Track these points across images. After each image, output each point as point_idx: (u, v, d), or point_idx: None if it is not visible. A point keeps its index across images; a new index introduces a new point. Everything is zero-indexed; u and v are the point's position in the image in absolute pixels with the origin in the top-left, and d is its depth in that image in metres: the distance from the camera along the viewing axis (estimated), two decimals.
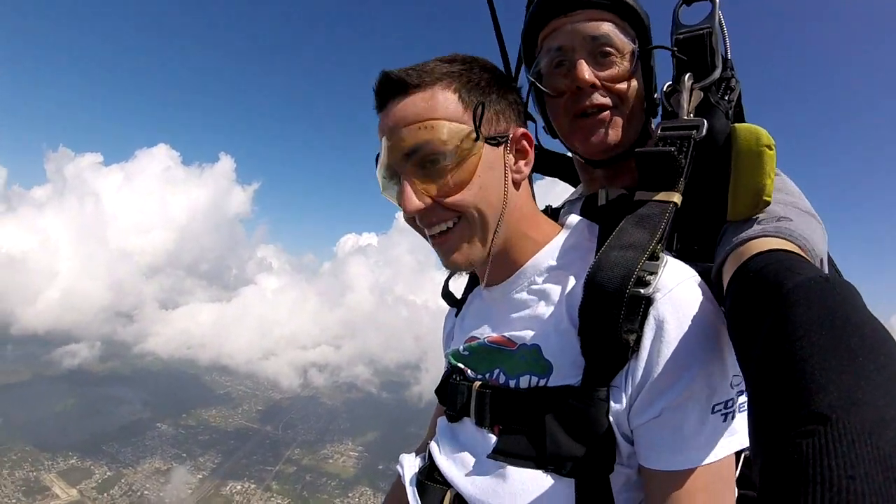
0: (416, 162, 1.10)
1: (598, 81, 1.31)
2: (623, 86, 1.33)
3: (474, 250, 1.16)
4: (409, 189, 1.11)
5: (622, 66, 1.33)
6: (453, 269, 1.22)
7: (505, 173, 1.18)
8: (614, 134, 1.35)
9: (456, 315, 1.57)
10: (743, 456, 1.19)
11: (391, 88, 1.13)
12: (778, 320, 0.70)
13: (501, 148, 1.17)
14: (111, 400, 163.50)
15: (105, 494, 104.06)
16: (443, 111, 1.10)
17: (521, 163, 1.22)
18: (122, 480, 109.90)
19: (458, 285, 1.63)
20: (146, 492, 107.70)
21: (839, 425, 0.50)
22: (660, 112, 1.43)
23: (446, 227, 1.14)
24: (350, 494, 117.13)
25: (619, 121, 1.35)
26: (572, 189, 1.87)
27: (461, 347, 1.37)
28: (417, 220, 1.17)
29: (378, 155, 1.20)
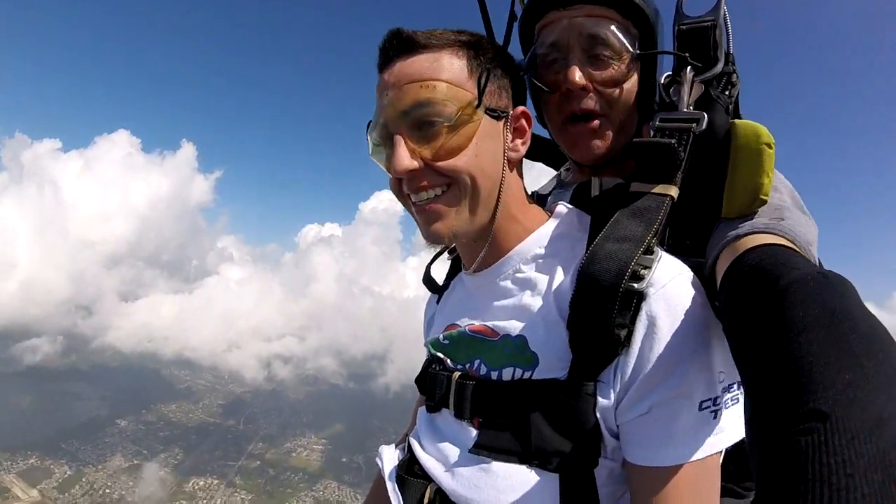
0: (412, 121, 1.07)
1: (590, 85, 1.27)
2: (616, 91, 1.29)
3: (460, 220, 1.12)
4: (401, 147, 1.07)
5: (618, 68, 1.28)
6: (434, 240, 1.15)
7: (504, 150, 1.16)
8: (602, 144, 1.31)
9: (437, 302, 1.53)
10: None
11: (399, 46, 1.10)
12: (775, 316, 0.70)
13: (501, 123, 1.15)
14: (69, 396, 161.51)
15: (66, 494, 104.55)
16: (447, 74, 1.08)
17: (518, 141, 1.20)
18: (83, 479, 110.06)
19: (440, 273, 1.54)
20: (108, 490, 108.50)
21: (838, 423, 0.50)
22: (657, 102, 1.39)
23: (434, 193, 1.10)
24: (315, 488, 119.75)
25: (608, 129, 1.31)
26: (550, 173, 1.84)
27: (441, 336, 1.33)
28: (405, 185, 1.13)
29: (370, 122, 1.17)
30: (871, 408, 0.51)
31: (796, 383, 0.58)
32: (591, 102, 1.28)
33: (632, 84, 1.31)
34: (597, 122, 1.30)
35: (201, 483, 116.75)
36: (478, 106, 1.08)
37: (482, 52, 1.15)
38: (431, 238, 1.14)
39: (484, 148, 1.11)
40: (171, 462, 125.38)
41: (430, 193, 1.10)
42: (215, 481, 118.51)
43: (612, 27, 1.26)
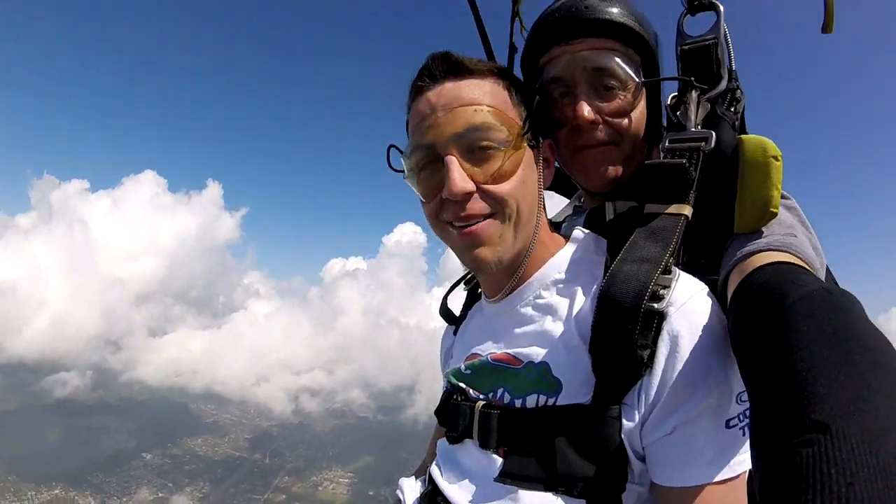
0: (465, 144, 1.07)
1: (598, 118, 1.28)
2: (625, 121, 1.30)
3: (504, 245, 1.13)
4: (457, 169, 1.07)
5: (625, 98, 1.29)
6: (478, 265, 1.14)
7: (539, 179, 1.19)
8: (613, 171, 1.32)
9: (454, 333, 1.52)
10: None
11: (449, 69, 1.12)
12: (780, 332, 0.71)
13: (535, 152, 1.19)
14: (96, 430, 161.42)
15: None
16: (497, 100, 1.11)
17: (547, 172, 1.23)
18: None
19: (456, 304, 1.56)
20: None
21: (839, 434, 0.51)
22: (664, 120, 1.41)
23: (483, 217, 1.10)
24: None
25: (619, 157, 1.32)
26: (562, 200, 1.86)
27: (462, 366, 1.32)
28: (447, 211, 1.12)
29: (390, 146, 1.19)
30: (873, 419, 0.52)
31: (799, 396, 0.58)
32: (600, 135, 1.29)
33: (639, 112, 1.32)
34: (607, 150, 1.31)
35: None
36: (524, 134, 1.12)
37: (519, 83, 1.20)
38: (475, 262, 1.14)
39: (529, 176, 1.14)
40: (197, 496, 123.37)
41: (478, 219, 1.10)
42: None
43: (617, 58, 1.27)
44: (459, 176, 1.06)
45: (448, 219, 1.13)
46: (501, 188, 1.09)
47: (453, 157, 1.07)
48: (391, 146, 1.21)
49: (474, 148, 1.07)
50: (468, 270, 1.45)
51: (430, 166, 1.13)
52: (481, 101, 1.09)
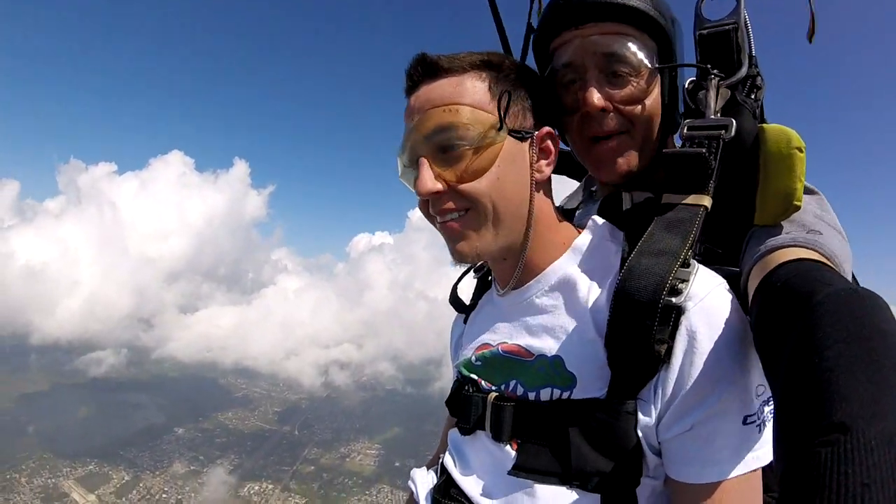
0: (435, 145, 1.08)
1: (609, 105, 1.23)
2: (638, 108, 1.25)
3: (483, 241, 1.12)
4: (425, 171, 1.08)
5: (638, 85, 1.24)
6: (459, 259, 1.15)
7: (531, 171, 1.15)
8: (626, 162, 1.28)
9: (464, 322, 1.51)
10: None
11: (423, 71, 1.12)
12: (806, 331, 0.70)
13: (525, 144, 1.14)
14: (130, 406, 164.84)
15: (123, 499, 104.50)
16: (470, 97, 1.09)
17: (543, 162, 1.18)
18: (141, 485, 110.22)
19: (467, 292, 1.55)
20: (164, 495, 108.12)
21: (859, 435, 0.51)
22: (681, 107, 1.35)
23: (458, 214, 1.11)
24: (368, 492, 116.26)
25: (632, 146, 1.27)
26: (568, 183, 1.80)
27: (472, 357, 1.31)
28: (430, 206, 1.14)
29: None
30: (893, 421, 0.52)
31: (821, 396, 0.58)
32: (612, 123, 1.25)
33: (653, 100, 1.26)
34: (619, 140, 1.27)
35: (256, 488, 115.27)
36: (500, 128, 1.08)
37: (504, 73, 1.15)
38: (457, 256, 1.14)
39: (507, 171, 1.10)
40: (227, 467, 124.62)
41: (454, 214, 1.11)
42: (270, 486, 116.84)
43: (629, 43, 1.22)
44: (428, 177, 1.08)
45: (433, 213, 1.14)
46: (472, 186, 1.08)
47: (424, 160, 1.09)
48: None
49: (445, 148, 1.07)
50: None
51: (413, 166, 1.13)
52: (451, 99, 1.08)
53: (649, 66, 1.23)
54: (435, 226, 1.18)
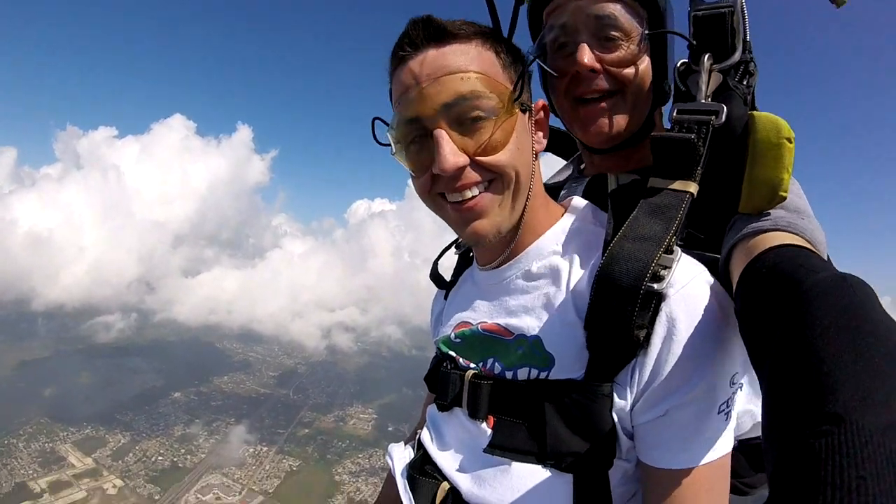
0: (454, 115, 1.02)
1: (599, 66, 1.25)
2: (628, 71, 1.27)
3: (503, 217, 1.09)
4: (447, 143, 1.01)
5: (628, 49, 1.26)
6: (476, 240, 1.11)
7: (532, 143, 1.14)
8: (615, 123, 1.28)
9: (445, 298, 1.50)
10: None
11: (429, 33, 1.04)
12: (795, 320, 0.69)
13: (526, 116, 1.13)
14: (129, 370, 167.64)
15: (120, 461, 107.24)
16: (483, 66, 1.04)
17: (540, 134, 1.18)
18: (137, 447, 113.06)
19: (446, 268, 1.54)
20: (160, 457, 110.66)
21: (853, 426, 0.50)
22: (671, 93, 1.35)
23: (478, 190, 1.06)
24: (362, 454, 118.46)
25: (621, 109, 1.29)
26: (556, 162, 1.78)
27: (452, 334, 1.30)
28: (440, 184, 1.08)
29: (374, 118, 1.14)
30: (887, 412, 0.51)
31: (813, 386, 0.57)
32: (601, 83, 1.26)
33: (644, 66, 1.28)
34: (608, 102, 1.28)
35: (251, 450, 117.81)
36: (516, 99, 1.06)
37: (508, 43, 1.13)
38: (473, 237, 1.10)
39: (523, 141, 1.09)
40: (223, 430, 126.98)
41: (473, 191, 1.06)
42: (265, 448, 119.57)
43: (621, 6, 1.25)
44: (450, 150, 1.01)
45: (441, 191, 1.09)
46: (496, 158, 1.04)
47: (442, 131, 1.02)
48: (375, 119, 1.15)
49: (464, 119, 1.02)
50: None
51: (419, 140, 1.07)
52: (468, 67, 1.02)
53: (640, 29, 1.25)
54: (438, 207, 1.13)
